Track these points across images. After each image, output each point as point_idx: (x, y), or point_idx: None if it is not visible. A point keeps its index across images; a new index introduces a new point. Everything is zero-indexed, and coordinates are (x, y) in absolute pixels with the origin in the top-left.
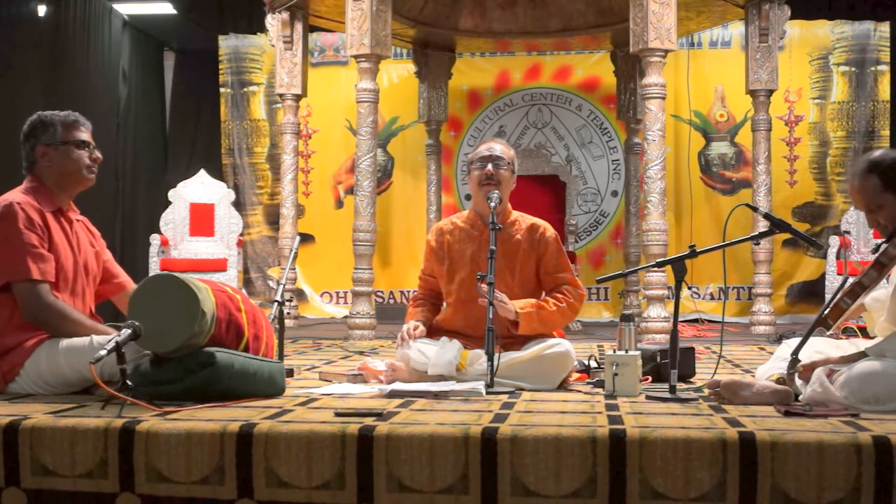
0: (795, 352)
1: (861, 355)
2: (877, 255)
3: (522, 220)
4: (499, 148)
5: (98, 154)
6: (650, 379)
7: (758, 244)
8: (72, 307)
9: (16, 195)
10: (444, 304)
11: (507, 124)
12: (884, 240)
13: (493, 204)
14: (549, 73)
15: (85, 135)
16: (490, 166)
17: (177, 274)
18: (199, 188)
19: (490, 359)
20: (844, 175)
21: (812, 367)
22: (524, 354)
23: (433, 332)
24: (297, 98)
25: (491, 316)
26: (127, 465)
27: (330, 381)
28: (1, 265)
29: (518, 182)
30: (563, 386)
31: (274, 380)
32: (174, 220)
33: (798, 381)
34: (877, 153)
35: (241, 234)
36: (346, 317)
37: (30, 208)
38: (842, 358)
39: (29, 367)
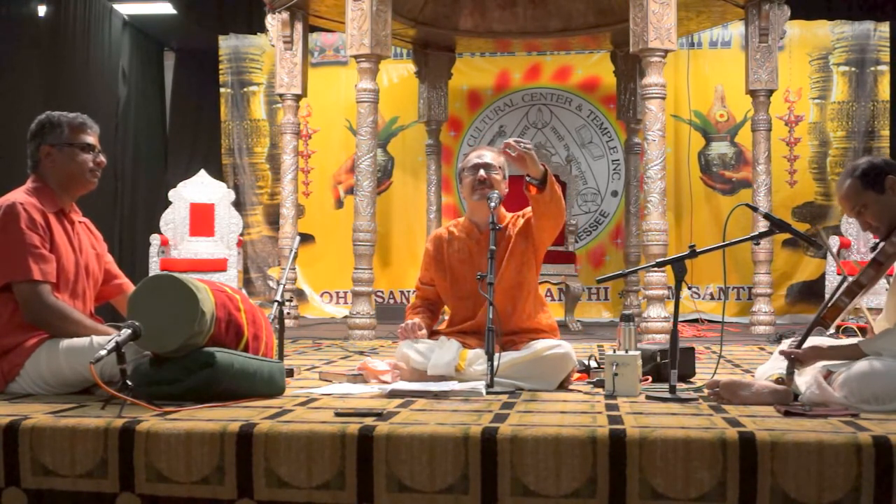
0: (798, 345)
1: (854, 347)
2: (874, 253)
3: (510, 218)
4: (488, 155)
5: (102, 158)
6: (650, 379)
7: (758, 244)
8: (72, 308)
9: (18, 195)
10: (445, 307)
11: (507, 124)
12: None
13: (493, 204)
14: (549, 73)
15: (91, 138)
16: (482, 172)
17: (176, 274)
18: (199, 188)
19: (490, 359)
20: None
21: (809, 355)
22: (524, 355)
23: (433, 337)
24: (297, 98)
25: (491, 316)
26: (127, 465)
27: (330, 381)
28: (2, 265)
29: (518, 182)
30: (563, 386)
31: (274, 380)
32: (174, 220)
33: (797, 376)
34: (857, 161)
35: (241, 234)
36: (346, 317)
37: (32, 209)
38: (831, 348)
39: (29, 367)
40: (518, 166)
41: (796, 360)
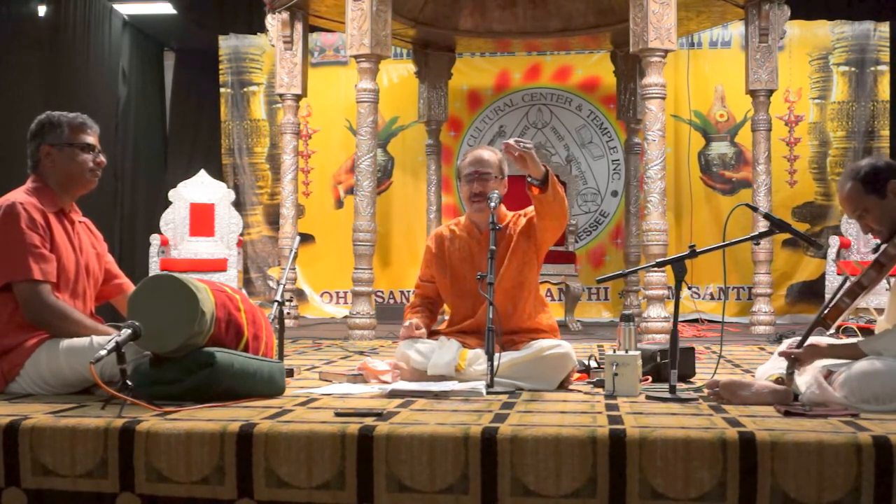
0: (799, 345)
1: (853, 347)
2: (876, 255)
3: (511, 217)
4: (485, 157)
5: (102, 158)
6: (650, 379)
7: (758, 244)
8: (72, 308)
9: (18, 195)
10: (444, 307)
11: (507, 124)
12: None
13: (493, 204)
14: (549, 73)
15: (91, 138)
16: (476, 184)
17: (176, 274)
18: (199, 188)
19: (490, 359)
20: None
21: (808, 354)
22: (524, 355)
23: (432, 337)
24: (297, 98)
25: (491, 316)
26: (127, 465)
27: (330, 381)
28: (2, 265)
29: (518, 182)
30: (563, 386)
31: (274, 380)
32: (174, 220)
33: (797, 376)
34: (860, 162)
35: (241, 234)
36: (346, 317)
37: (32, 208)
38: (830, 346)
39: (29, 367)
40: (519, 166)
41: (796, 360)
